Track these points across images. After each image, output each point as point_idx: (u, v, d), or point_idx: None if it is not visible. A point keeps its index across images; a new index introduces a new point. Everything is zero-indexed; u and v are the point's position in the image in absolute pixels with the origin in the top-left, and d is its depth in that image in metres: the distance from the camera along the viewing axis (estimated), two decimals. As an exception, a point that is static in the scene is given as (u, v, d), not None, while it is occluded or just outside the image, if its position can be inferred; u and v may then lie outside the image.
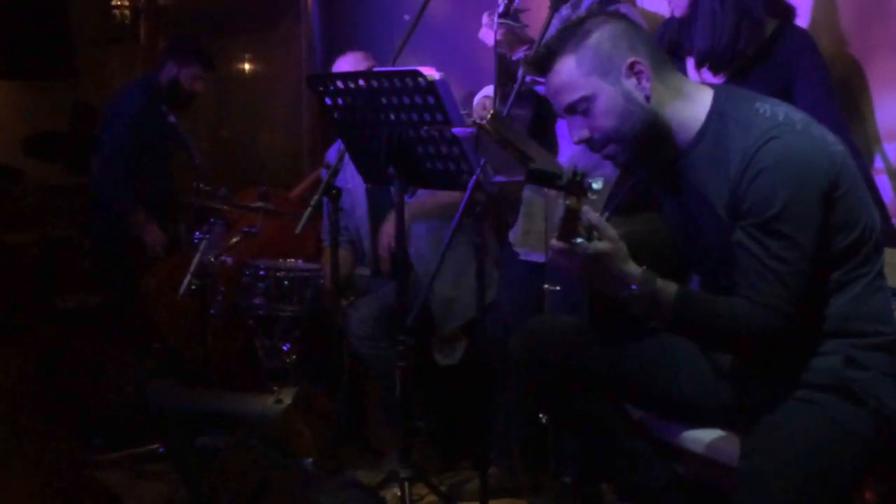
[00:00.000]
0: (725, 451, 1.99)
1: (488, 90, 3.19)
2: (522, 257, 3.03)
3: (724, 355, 2.04)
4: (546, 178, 1.92)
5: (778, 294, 1.78)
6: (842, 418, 1.82)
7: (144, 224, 4.20)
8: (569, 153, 2.84)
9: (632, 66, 1.90)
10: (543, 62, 1.97)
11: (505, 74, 2.91)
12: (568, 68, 1.93)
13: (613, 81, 1.90)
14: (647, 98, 1.91)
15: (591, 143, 1.97)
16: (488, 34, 2.88)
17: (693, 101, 1.93)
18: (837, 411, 1.83)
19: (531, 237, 3.00)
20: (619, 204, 2.28)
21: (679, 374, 2.08)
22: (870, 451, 1.84)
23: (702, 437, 2.06)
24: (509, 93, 2.81)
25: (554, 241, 1.83)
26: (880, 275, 1.90)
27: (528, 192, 3.02)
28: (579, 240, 1.79)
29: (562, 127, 2.93)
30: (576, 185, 1.79)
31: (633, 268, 1.87)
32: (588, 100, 1.92)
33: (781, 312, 1.79)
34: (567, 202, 1.79)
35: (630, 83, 1.90)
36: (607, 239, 1.85)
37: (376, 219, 3.47)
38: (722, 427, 2.05)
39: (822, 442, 1.81)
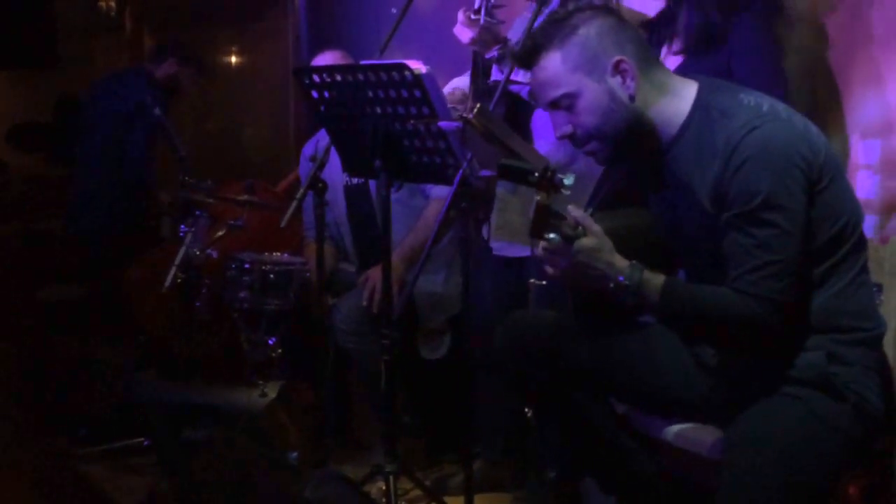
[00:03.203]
0: (709, 444, 1.99)
1: (458, 81, 3.19)
2: (496, 252, 3.03)
3: (707, 349, 2.05)
4: (517, 174, 1.92)
5: (765, 283, 1.79)
6: (824, 413, 1.83)
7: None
8: (545, 149, 2.84)
9: (617, 64, 1.90)
10: (528, 56, 1.97)
11: (479, 71, 2.90)
12: (553, 64, 1.92)
13: (598, 79, 1.91)
14: (632, 97, 1.91)
15: (573, 139, 1.97)
16: (463, 31, 2.86)
17: (678, 95, 1.94)
18: (819, 406, 1.83)
19: (505, 232, 2.99)
20: (603, 199, 2.28)
21: (663, 368, 2.08)
22: (852, 446, 1.85)
23: (685, 431, 2.07)
24: (483, 89, 2.81)
25: (541, 244, 1.84)
26: (864, 270, 1.91)
27: (501, 189, 3.01)
28: (552, 235, 1.80)
29: (536, 121, 2.93)
30: (546, 181, 1.79)
31: (620, 260, 1.88)
32: (572, 96, 1.92)
33: (769, 301, 1.79)
34: (538, 198, 1.79)
35: (615, 82, 1.91)
36: (592, 234, 1.86)
37: (355, 218, 3.46)
38: (705, 421, 2.05)
39: (804, 436, 1.82)
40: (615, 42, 1.91)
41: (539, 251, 1.90)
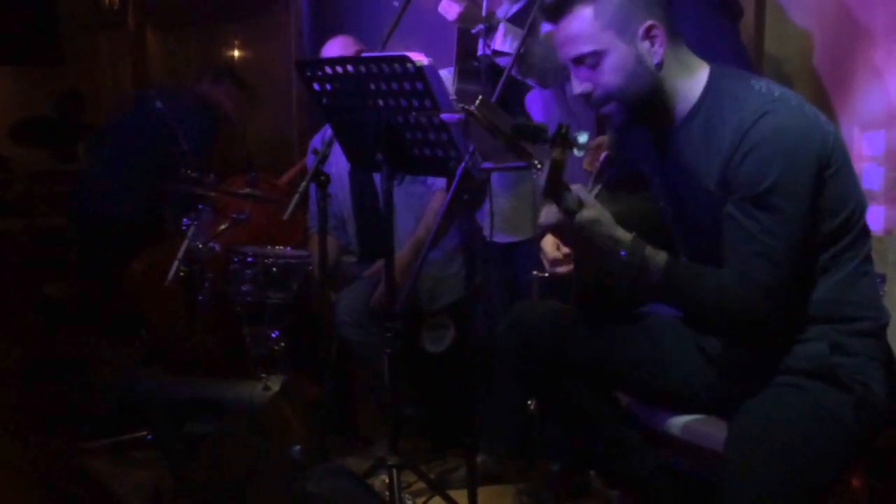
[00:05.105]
0: (712, 437, 1.98)
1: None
2: (493, 239, 3.01)
3: (712, 340, 2.04)
4: (531, 134, 1.90)
5: (767, 271, 1.78)
6: (828, 404, 1.82)
7: None
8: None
9: (649, 29, 1.87)
10: (559, 7, 1.91)
11: (464, 51, 2.88)
12: (585, 18, 1.88)
13: (629, 41, 1.88)
14: (659, 65, 1.89)
15: (590, 99, 1.94)
16: (450, 7, 2.84)
17: (693, 75, 1.92)
18: (824, 397, 1.83)
19: (497, 219, 2.98)
20: (607, 182, 2.27)
21: (666, 360, 2.07)
22: (856, 437, 1.85)
23: (689, 424, 2.06)
24: (467, 69, 2.78)
25: (543, 213, 1.81)
26: (867, 259, 1.90)
27: (495, 186, 2.99)
28: (567, 194, 1.77)
29: (531, 101, 2.92)
30: (561, 138, 1.77)
31: (622, 233, 1.85)
32: (599, 54, 1.88)
33: (770, 289, 1.78)
34: (553, 154, 1.76)
35: (644, 46, 1.88)
36: (589, 206, 1.82)
37: (360, 201, 3.46)
38: (709, 413, 2.05)
39: (808, 428, 1.81)
40: (648, 6, 1.88)
41: (542, 219, 1.85)
